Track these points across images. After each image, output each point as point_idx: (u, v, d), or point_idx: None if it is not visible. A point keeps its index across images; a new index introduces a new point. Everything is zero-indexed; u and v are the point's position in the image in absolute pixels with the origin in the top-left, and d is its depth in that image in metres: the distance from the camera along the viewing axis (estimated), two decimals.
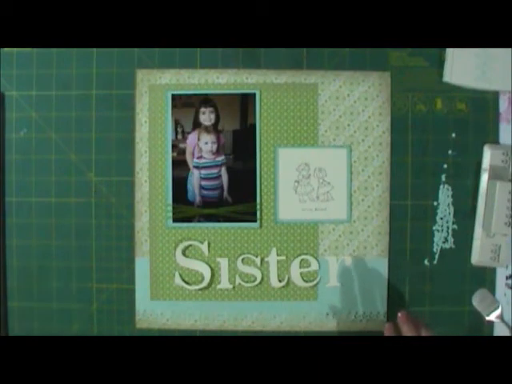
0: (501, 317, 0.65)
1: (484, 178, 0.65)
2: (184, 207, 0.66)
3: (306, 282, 0.66)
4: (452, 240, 0.66)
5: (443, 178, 0.66)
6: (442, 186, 0.66)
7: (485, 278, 0.66)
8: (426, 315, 0.66)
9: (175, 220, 0.66)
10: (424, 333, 0.53)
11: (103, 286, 0.67)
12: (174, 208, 0.66)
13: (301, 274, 0.66)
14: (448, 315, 0.66)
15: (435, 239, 0.66)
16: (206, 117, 0.66)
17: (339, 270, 0.66)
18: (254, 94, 0.66)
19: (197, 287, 0.66)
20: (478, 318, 0.66)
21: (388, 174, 0.66)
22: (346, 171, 0.66)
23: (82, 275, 0.67)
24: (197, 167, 0.66)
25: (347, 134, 0.66)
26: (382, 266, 0.66)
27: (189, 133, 0.66)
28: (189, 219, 0.66)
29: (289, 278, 0.66)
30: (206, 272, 0.66)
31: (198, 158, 0.66)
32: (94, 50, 0.66)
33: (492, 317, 0.66)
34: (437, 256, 0.66)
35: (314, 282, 0.66)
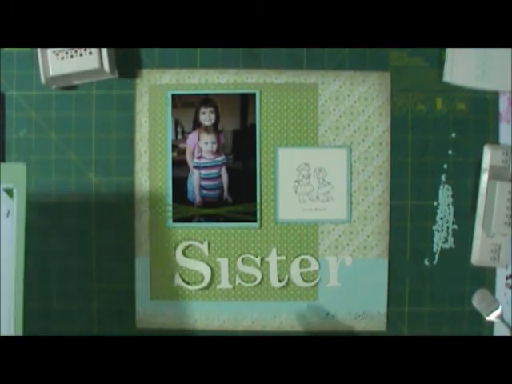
0: (501, 317, 0.65)
1: (484, 178, 0.65)
2: (184, 207, 0.66)
3: (306, 282, 0.66)
4: (452, 240, 0.66)
5: (443, 177, 0.66)
6: (442, 186, 0.66)
7: (485, 278, 0.66)
8: (426, 315, 0.66)
9: (175, 220, 0.66)
10: None
11: (103, 286, 0.67)
12: (173, 208, 0.66)
13: (301, 273, 0.66)
14: (448, 315, 0.66)
15: (435, 239, 0.66)
16: (206, 117, 0.66)
17: (339, 269, 0.66)
18: (254, 94, 0.66)
19: (197, 287, 0.66)
20: (478, 317, 0.66)
21: (388, 174, 0.66)
22: (346, 171, 0.66)
23: (82, 275, 0.67)
24: (197, 167, 0.66)
25: (347, 133, 0.66)
26: (382, 266, 0.66)
27: (189, 133, 0.66)
28: (189, 219, 0.66)
29: (289, 278, 0.66)
30: (206, 272, 0.66)
31: (198, 157, 0.66)
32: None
33: (492, 317, 0.66)
34: (437, 256, 0.66)
35: (314, 282, 0.66)
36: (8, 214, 0.44)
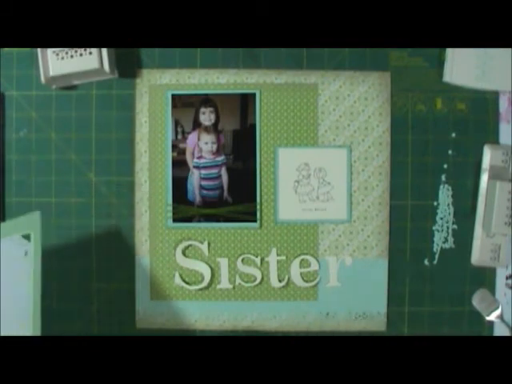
0: (501, 317, 0.65)
1: (484, 178, 0.65)
2: (184, 207, 0.66)
3: (306, 281, 0.66)
4: (452, 240, 0.66)
5: (443, 177, 0.66)
6: (442, 186, 0.66)
7: (485, 278, 0.66)
8: (426, 315, 0.66)
9: (175, 220, 0.66)
10: None
11: (103, 286, 0.67)
12: (173, 208, 0.66)
13: (301, 273, 0.66)
14: (448, 315, 0.66)
15: (435, 239, 0.66)
16: (206, 117, 0.66)
17: (339, 269, 0.66)
18: (254, 94, 0.66)
19: (197, 287, 0.66)
20: (478, 317, 0.66)
21: (388, 174, 0.66)
22: (346, 171, 0.66)
23: (82, 275, 0.67)
24: (197, 167, 0.66)
25: (347, 133, 0.66)
26: (382, 266, 0.66)
27: (189, 133, 0.66)
28: (189, 219, 0.66)
29: (289, 278, 0.66)
30: (206, 272, 0.66)
31: (198, 157, 0.66)
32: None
33: (492, 317, 0.66)
34: (437, 256, 0.66)
35: (314, 282, 0.66)
36: (26, 253, 0.54)
